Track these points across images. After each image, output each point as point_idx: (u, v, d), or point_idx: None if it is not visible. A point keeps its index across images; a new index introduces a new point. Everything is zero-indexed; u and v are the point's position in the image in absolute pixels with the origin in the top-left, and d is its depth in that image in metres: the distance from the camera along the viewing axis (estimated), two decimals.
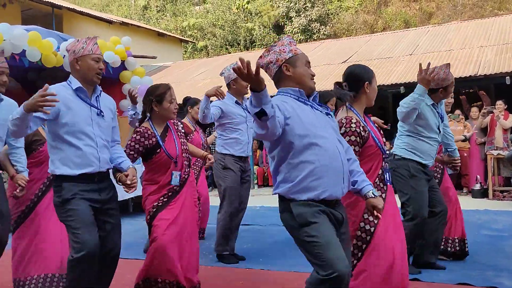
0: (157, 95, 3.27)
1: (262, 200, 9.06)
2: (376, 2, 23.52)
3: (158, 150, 3.22)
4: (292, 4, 23.49)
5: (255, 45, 24.53)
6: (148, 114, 3.36)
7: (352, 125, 2.65)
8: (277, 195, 2.38)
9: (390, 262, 2.66)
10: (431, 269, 3.89)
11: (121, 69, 8.43)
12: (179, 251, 3.15)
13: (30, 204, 3.66)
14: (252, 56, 18.08)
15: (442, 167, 4.27)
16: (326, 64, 13.57)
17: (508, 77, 9.20)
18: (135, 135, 3.22)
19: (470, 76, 9.41)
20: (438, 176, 4.23)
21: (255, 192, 11.10)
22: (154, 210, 3.19)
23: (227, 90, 4.56)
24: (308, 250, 2.23)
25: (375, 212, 2.42)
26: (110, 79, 8.44)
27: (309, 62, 2.43)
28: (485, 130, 8.89)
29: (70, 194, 2.69)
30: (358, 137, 2.65)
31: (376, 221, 2.63)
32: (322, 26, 23.00)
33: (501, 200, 8.03)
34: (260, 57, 2.44)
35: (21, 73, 8.32)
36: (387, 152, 2.86)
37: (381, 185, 2.74)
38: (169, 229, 3.12)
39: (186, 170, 3.32)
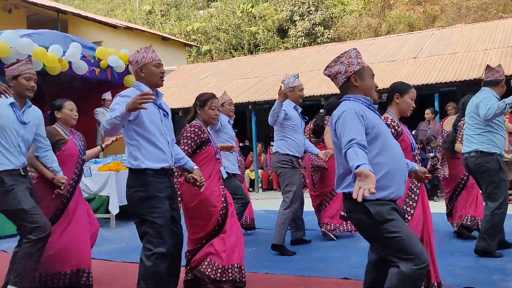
0: (201, 101, 3.73)
1: (266, 204, 9.05)
2: (380, 6, 23.53)
3: (208, 144, 3.64)
4: (296, 8, 23.52)
5: (259, 48, 24.57)
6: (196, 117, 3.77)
7: (388, 120, 3.14)
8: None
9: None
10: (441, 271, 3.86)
11: (125, 73, 8.46)
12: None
13: (61, 206, 3.86)
14: (256, 60, 18.13)
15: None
16: None
17: None
18: (189, 133, 3.58)
19: (474, 79, 9.38)
20: None
21: (260, 195, 11.09)
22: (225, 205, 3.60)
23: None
24: (391, 246, 2.40)
25: (426, 175, 2.90)
26: (115, 84, 8.47)
27: (373, 75, 2.68)
28: None
29: (156, 191, 2.95)
30: (392, 129, 3.07)
31: (412, 212, 3.14)
32: (326, 30, 23.02)
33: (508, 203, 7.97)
34: (328, 66, 2.68)
35: None
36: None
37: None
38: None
39: (223, 169, 3.83)
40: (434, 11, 22.44)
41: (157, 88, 3.13)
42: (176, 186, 3.53)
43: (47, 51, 7.07)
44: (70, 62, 7.37)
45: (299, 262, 4.50)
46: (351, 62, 2.60)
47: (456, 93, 10.82)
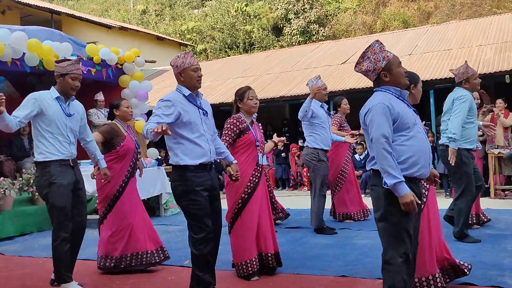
0: (239, 95, 4.08)
1: None
2: (375, 3, 23.52)
3: (247, 132, 3.99)
4: (290, 6, 23.48)
5: (254, 47, 24.53)
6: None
7: None
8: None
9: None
10: None
11: (120, 73, 8.44)
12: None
13: (116, 193, 4.33)
14: (252, 59, 18.10)
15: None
16: (326, 65, 13.57)
17: (508, 75, 9.21)
18: (229, 124, 3.98)
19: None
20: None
21: None
22: (249, 191, 3.95)
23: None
24: (385, 230, 2.66)
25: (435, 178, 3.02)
26: (110, 84, 8.45)
27: (400, 63, 2.79)
28: None
29: (194, 185, 3.22)
30: None
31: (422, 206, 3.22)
32: (321, 28, 23.00)
33: (503, 198, 8.02)
34: (357, 64, 2.83)
35: (20, 79, 8.33)
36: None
37: None
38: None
39: (263, 156, 4.16)
40: (429, 8, 22.46)
41: (197, 90, 3.40)
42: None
43: (42, 44, 7.01)
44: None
45: (296, 260, 4.50)
46: (377, 58, 2.74)
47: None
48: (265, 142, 4.54)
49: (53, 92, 3.74)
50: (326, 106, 5.87)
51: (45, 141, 3.66)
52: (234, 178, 3.56)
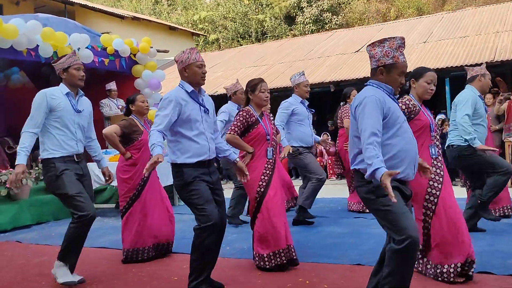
0: (251, 86, 4.03)
1: None
2: None
3: (256, 126, 3.95)
4: None
5: (267, 36, 24.42)
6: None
7: (405, 99, 3.41)
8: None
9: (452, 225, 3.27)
10: None
11: (133, 63, 8.45)
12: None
13: (139, 187, 4.41)
14: (264, 48, 18.04)
15: None
16: (340, 54, 13.45)
17: None
18: (239, 116, 3.95)
19: (486, 62, 9.24)
20: None
21: None
22: (264, 184, 3.88)
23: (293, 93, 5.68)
24: (383, 217, 2.58)
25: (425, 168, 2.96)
26: (123, 74, 8.46)
27: (403, 72, 2.72)
28: (499, 117, 8.72)
29: (191, 177, 3.20)
30: (404, 106, 3.34)
31: (438, 193, 3.30)
32: (334, 16, 22.79)
33: None
34: (371, 44, 2.75)
35: (34, 69, 8.39)
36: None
37: (439, 159, 3.40)
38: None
39: (275, 150, 4.07)
40: None
41: (200, 86, 3.37)
42: None
43: (55, 33, 7.04)
44: (79, 50, 7.34)
45: (311, 249, 4.49)
46: (388, 53, 2.66)
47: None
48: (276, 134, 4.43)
49: (63, 88, 3.72)
50: (306, 103, 5.66)
51: (51, 138, 3.64)
52: (243, 178, 3.59)
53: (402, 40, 2.70)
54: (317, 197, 5.67)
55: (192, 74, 3.30)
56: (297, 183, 10.75)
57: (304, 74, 5.73)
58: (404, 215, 2.53)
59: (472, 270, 3.29)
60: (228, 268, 3.97)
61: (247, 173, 3.60)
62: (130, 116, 4.55)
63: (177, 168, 3.26)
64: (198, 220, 3.19)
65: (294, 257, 3.91)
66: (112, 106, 8.26)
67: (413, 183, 2.97)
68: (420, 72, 3.45)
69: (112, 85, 8.36)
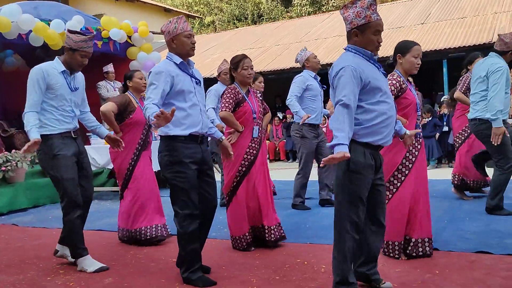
0: (233, 63, 3.97)
1: (274, 174, 9.02)
2: None
3: (243, 104, 3.90)
4: None
5: (263, 19, 24.20)
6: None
7: (393, 77, 3.33)
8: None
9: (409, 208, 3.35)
10: (450, 237, 3.86)
11: (128, 45, 8.36)
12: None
13: (129, 167, 4.33)
14: (260, 30, 17.89)
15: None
16: (336, 35, 13.35)
17: None
18: (227, 93, 3.89)
19: (484, 43, 9.19)
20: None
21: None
22: (247, 164, 3.88)
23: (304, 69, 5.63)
24: (343, 191, 2.60)
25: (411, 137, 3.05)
26: (118, 56, 8.38)
27: (379, 30, 2.60)
28: None
29: (182, 156, 3.07)
30: (393, 87, 3.27)
31: (407, 172, 3.32)
32: None
33: None
34: (344, 7, 2.64)
35: (29, 52, 8.30)
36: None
37: (417, 138, 3.37)
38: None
39: (261, 129, 4.03)
40: None
41: (188, 58, 3.22)
42: None
43: (49, 26, 6.98)
44: None
45: (309, 230, 4.49)
46: (360, 13, 2.55)
47: (465, 59, 10.62)
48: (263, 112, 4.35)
49: (58, 65, 3.58)
50: (319, 78, 5.61)
51: (48, 115, 3.53)
52: (227, 155, 3.50)
53: None
54: (312, 179, 5.70)
55: (181, 45, 3.13)
56: (291, 166, 10.78)
57: (306, 49, 5.69)
58: (361, 199, 2.59)
59: (429, 248, 3.41)
60: (226, 250, 3.98)
61: (232, 152, 3.51)
62: (126, 93, 4.48)
63: (168, 141, 3.10)
64: (177, 205, 3.09)
65: (273, 238, 3.93)
66: (109, 88, 8.19)
67: (387, 158, 3.23)
68: (406, 47, 3.36)
69: (109, 67, 8.28)
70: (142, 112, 4.26)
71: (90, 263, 3.56)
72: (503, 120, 4.52)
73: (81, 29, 7.39)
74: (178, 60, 3.15)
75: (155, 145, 3.83)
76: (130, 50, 8.37)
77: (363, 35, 2.58)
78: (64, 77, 3.59)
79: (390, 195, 3.35)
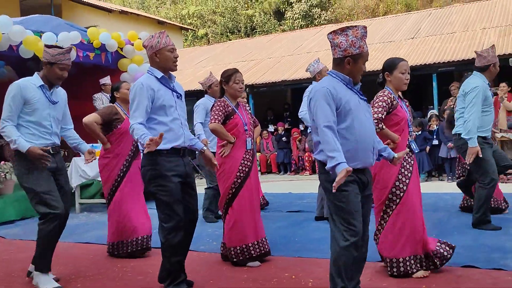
0: (225, 77, 3.97)
1: (265, 187, 9.03)
2: None
3: (233, 116, 3.91)
4: None
5: (256, 31, 24.35)
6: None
7: (384, 93, 3.35)
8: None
9: (413, 224, 3.30)
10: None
11: (119, 57, 8.37)
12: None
13: (118, 178, 4.30)
14: (253, 43, 17.91)
15: None
16: (328, 49, 13.43)
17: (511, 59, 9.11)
18: (216, 106, 3.89)
19: (473, 58, 9.27)
20: None
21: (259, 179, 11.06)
22: (242, 175, 3.88)
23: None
24: (335, 212, 2.61)
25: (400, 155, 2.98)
26: (109, 68, 8.38)
27: (366, 61, 2.71)
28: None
29: (164, 169, 3.09)
30: (385, 103, 3.30)
31: (405, 188, 3.30)
32: (323, 11, 22.79)
33: (505, 182, 7.98)
34: (333, 32, 2.68)
35: (20, 63, 8.28)
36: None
37: (410, 153, 3.41)
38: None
39: (253, 141, 4.02)
40: None
41: (170, 72, 3.25)
42: None
43: (41, 38, 6.97)
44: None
45: (298, 244, 4.48)
46: (354, 42, 2.62)
47: (454, 73, 10.75)
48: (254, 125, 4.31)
49: (37, 79, 3.53)
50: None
51: (24, 130, 3.46)
52: (214, 167, 3.49)
53: (364, 29, 2.66)
54: (303, 192, 5.68)
55: (164, 59, 3.16)
56: (282, 178, 10.78)
57: (320, 61, 5.54)
58: (357, 214, 2.59)
59: (434, 263, 3.35)
60: (215, 263, 3.96)
61: (216, 162, 3.50)
62: (114, 104, 4.45)
63: (150, 156, 3.09)
64: (161, 219, 3.11)
65: (267, 249, 3.96)
66: (105, 100, 8.18)
67: (382, 175, 3.28)
68: (393, 64, 3.40)
69: (106, 80, 8.29)
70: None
71: (45, 280, 3.45)
72: (484, 137, 4.60)
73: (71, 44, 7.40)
74: (159, 74, 3.17)
75: None
76: (122, 61, 8.38)
77: (355, 64, 2.66)
78: (43, 91, 3.53)
79: (390, 212, 3.34)
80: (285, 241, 4.61)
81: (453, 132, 4.80)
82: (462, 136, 4.55)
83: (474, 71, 4.72)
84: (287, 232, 5.00)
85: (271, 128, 12.71)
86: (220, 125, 3.85)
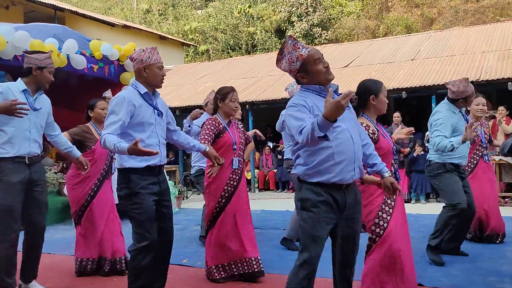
0: (221, 94, 3.97)
1: (263, 204, 9.02)
2: (378, 8, 23.54)
3: (224, 134, 3.89)
4: (294, 9, 23.50)
5: (257, 49, 24.54)
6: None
7: (368, 130, 2.99)
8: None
9: (395, 260, 2.96)
10: (435, 273, 3.85)
11: (122, 70, 8.42)
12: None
13: (88, 198, 4.18)
14: (254, 60, 17.97)
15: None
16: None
17: (511, 82, 9.18)
18: (207, 125, 3.88)
19: (472, 81, 9.37)
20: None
21: (256, 195, 11.06)
22: (227, 195, 3.88)
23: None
24: (300, 229, 2.55)
25: (394, 186, 2.71)
26: (112, 81, 8.42)
27: (319, 59, 2.55)
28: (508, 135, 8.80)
29: (138, 187, 2.97)
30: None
31: (388, 218, 2.96)
32: (324, 31, 23.00)
33: (503, 206, 7.98)
34: (277, 61, 2.65)
35: (21, 74, 8.30)
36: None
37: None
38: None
39: (241, 160, 4.00)
40: (432, 14, 22.47)
41: (155, 89, 3.19)
42: None
43: (44, 44, 7.00)
44: (68, 57, 7.32)
45: (291, 262, 4.45)
46: (291, 59, 2.55)
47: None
48: (244, 142, 4.22)
49: (21, 84, 3.45)
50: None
51: (2, 136, 3.35)
52: (216, 163, 3.48)
53: (291, 38, 2.57)
54: (288, 209, 5.66)
55: (152, 75, 3.09)
56: (281, 196, 10.75)
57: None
58: (313, 239, 2.47)
59: None
60: (201, 280, 3.94)
61: (221, 158, 3.51)
62: (87, 124, 4.33)
63: (124, 174, 3.01)
64: (134, 238, 2.99)
65: (256, 269, 3.87)
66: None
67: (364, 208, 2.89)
68: (377, 87, 3.12)
69: (108, 93, 8.29)
70: None
71: None
72: (456, 165, 4.41)
73: (76, 52, 7.44)
74: (143, 89, 3.09)
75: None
76: (124, 75, 8.42)
77: (308, 73, 2.57)
78: (25, 96, 3.44)
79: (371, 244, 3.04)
80: (278, 259, 4.59)
81: (427, 158, 4.60)
82: (431, 160, 4.42)
83: (445, 99, 4.57)
84: (281, 250, 4.98)
85: (270, 144, 12.74)
86: (209, 146, 3.68)
